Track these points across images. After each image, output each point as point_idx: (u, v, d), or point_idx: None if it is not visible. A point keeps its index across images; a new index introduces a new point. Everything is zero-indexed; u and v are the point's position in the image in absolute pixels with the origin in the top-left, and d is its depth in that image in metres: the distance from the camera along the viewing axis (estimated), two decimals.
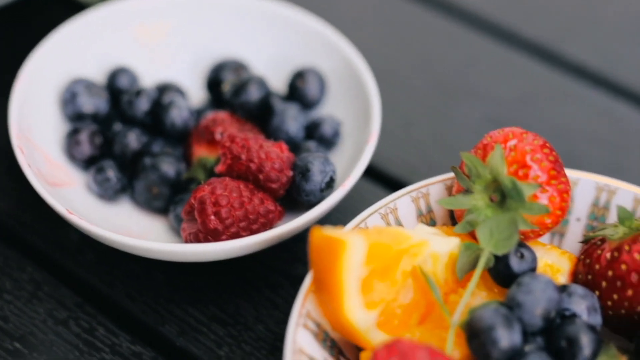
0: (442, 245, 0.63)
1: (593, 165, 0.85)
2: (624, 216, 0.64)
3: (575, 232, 0.71)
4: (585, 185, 0.70)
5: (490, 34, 0.98)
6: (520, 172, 0.63)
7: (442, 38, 0.98)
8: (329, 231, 0.58)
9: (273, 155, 0.71)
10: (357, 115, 0.78)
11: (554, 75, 0.94)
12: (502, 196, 0.64)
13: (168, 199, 0.75)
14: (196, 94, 0.84)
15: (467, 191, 0.65)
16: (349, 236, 0.57)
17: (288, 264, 0.76)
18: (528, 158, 0.63)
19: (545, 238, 0.71)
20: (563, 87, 0.93)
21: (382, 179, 0.83)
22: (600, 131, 0.89)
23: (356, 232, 0.58)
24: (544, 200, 0.63)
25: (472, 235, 0.65)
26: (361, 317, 0.59)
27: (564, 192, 0.64)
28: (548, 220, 0.64)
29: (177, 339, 0.72)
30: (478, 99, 0.91)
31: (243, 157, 0.70)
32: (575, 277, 0.66)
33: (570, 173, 0.70)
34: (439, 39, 0.97)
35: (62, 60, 0.80)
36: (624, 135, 0.89)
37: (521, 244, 0.63)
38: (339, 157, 0.78)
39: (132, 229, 0.75)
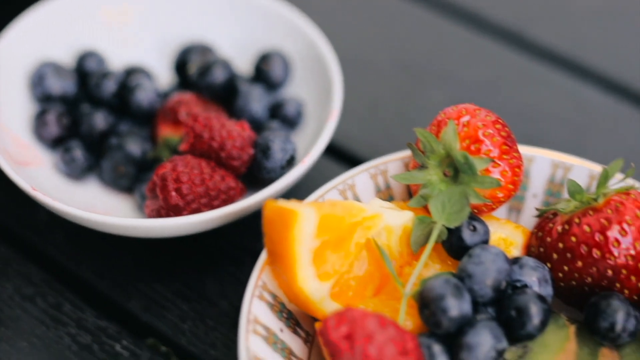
0: (396, 219, 0.64)
1: (558, 145, 0.86)
2: (574, 190, 0.65)
3: (531, 208, 0.72)
4: (541, 162, 0.72)
5: (457, 18, 1.00)
6: (473, 147, 0.64)
7: (410, 22, 0.99)
8: (281, 203, 0.60)
9: (234, 134, 0.72)
10: (319, 95, 0.79)
11: (520, 58, 0.96)
12: (455, 171, 0.65)
13: (134, 178, 0.77)
14: (165, 76, 0.86)
15: (422, 167, 0.66)
16: (299, 207, 0.59)
17: (251, 241, 0.77)
18: (480, 133, 0.64)
19: (502, 214, 0.72)
20: (529, 70, 0.95)
21: (347, 158, 0.85)
22: (566, 113, 0.91)
23: (308, 204, 0.60)
24: (495, 174, 0.64)
25: (427, 209, 0.66)
26: (314, 287, 0.60)
27: (516, 167, 0.65)
28: (500, 194, 0.65)
29: (142, 314, 0.73)
30: (445, 82, 0.93)
31: (205, 135, 0.72)
32: (528, 250, 0.68)
33: (526, 150, 0.71)
34: (407, 24, 0.99)
35: (31, 43, 0.82)
36: (589, 117, 0.90)
37: (474, 217, 0.65)
38: (302, 136, 0.79)
39: (99, 207, 0.76)
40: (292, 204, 0.59)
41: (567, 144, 0.87)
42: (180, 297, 0.74)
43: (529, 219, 0.72)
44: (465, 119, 0.65)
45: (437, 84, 0.93)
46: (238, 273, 0.76)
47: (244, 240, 0.77)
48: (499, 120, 0.66)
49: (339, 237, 0.61)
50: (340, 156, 0.85)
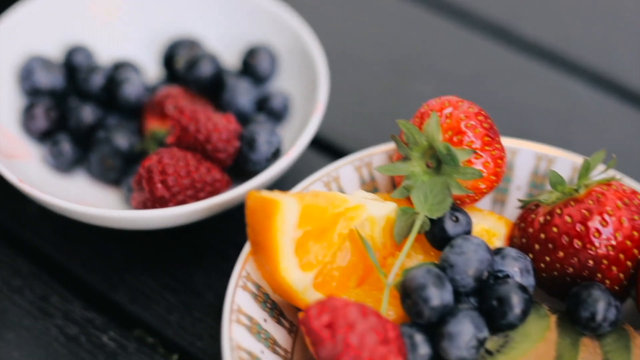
0: (379, 209, 0.65)
1: (544, 139, 0.87)
2: (556, 181, 0.65)
3: (515, 200, 0.73)
4: (525, 154, 0.72)
5: (444, 13, 1.00)
6: (455, 139, 0.65)
7: (397, 17, 1.00)
8: (264, 193, 0.60)
9: (220, 127, 0.73)
10: (306, 88, 0.80)
11: (507, 53, 0.96)
12: (438, 162, 0.66)
13: (121, 171, 0.78)
14: (153, 70, 0.87)
15: (406, 158, 0.67)
16: (282, 197, 0.59)
17: (238, 233, 0.77)
18: (462, 125, 0.65)
19: (486, 206, 0.73)
20: (516, 65, 0.95)
21: (334, 152, 0.86)
22: (552, 106, 0.91)
23: (290, 194, 0.60)
24: (478, 165, 0.65)
25: (410, 200, 0.66)
26: (297, 277, 0.61)
27: (498, 158, 0.66)
28: (482, 186, 0.66)
29: (129, 306, 0.74)
30: (432, 76, 0.93)
31: (191, 128, 0.73)
32: (511, 241, 0.68)
33: (510, 142, 0.72)
34: (395, 18, 0.99)
35: (20, 37, 0.83)
36: (575, 110, 0.91)
37: (456, 208, 0.65)
38: (288, 129, 0.80)
39: (87, 200, 0.77)
40: (274, 194, 0.60)
41: (553, 137, 0.88)
42: (167, 289, 0.75)
43: (513, 210, 0.72)
44: (448, 110, 0.66)
45: (424, 78, 0.93)
46: (224, 265, 0.76)
47: (231, 233, 0.78)
48: (482, 112, 0.66)
49: (322, 227, 0.62)
50: (327, 149, 0.86)
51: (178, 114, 0.73)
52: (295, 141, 0.75)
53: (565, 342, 0.62)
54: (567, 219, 0.64)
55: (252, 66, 0.82)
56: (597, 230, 0.63)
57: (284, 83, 0.84)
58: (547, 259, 0.65)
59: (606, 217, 0.63)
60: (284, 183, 0.77)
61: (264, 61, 0.82)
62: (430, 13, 1.00)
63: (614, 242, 0.63)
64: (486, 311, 0.61)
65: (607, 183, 0.65)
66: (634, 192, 0.65)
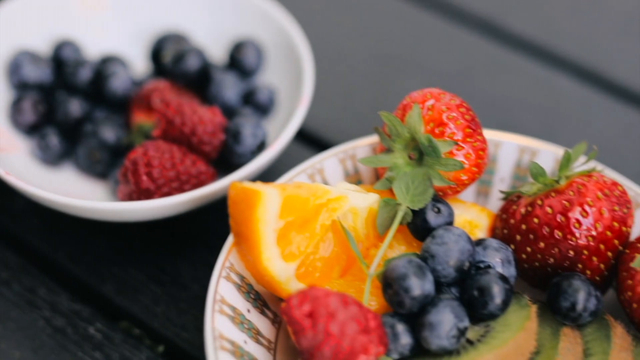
0: (361, 201, 0.65)
1: (530, 132, 0.88)
2: (537, 172, 0.66)
3: (499, 192, 0.73)
4: (508, 147, 0.73)
5: (431, 8, 1.01)
6: (437, 130, 0.65)
7: (385, 12, 1.00)
8: (246, 184, 0.61)
9: (206, 119, 0.73)
10: (292, 82, 0.81)
11: (494, 48, 0.97)
12: (420, 154, 0.66)
13: (108, 164, 0.78)
14: (140, 64, 0.87)
15: (389, 150, 0.67)
16: (263, 187, 0.60)
17: (225, 226, 0.77)
18: (444, 116, 0.65)
19: (470, 198, 0.73)
20: (502, 59, 0.96)
21: (318, 144, 0.86)
22: (538, 100, 0.92)
23: (272, 185, 0.61)
24: (459, 157, 0.65)
25: (392, 192, 0.67)
26: (279, 267, 0.61)
27: (480, 150, 0.66)
28: (464, 177, 0.66)
29: (115, 298, 0.74)
30: (418, 71, 0.94)
31: (177, 121, 0.73)
32: (493, 232, 0.69)
33: (494, 135, 0.72)
34: (382, 13, 1.00)
35: (8, 32, 0.83)
36: (560, 104, 0.92)
37: (438, 200, 0.66)
38: (274, 122, 0.81)
39: (74, 192, 0.77)
40: (256, 185, 0.60)
41: (538, 130, 0.88)
42: (153, 281, 0.75)
43: (496, 202, 0.73)
44: (430, 102, 0.66)
45: (411, 73, 0.94)
46: (210, 257, 0.77)
47: (216, 225, 0.78)
48: (463, 104, 0.67)
49: (304, 218, 0.62)
50: (312, 141, 0.86)
51: (164, 107, 0.74)
52: (281, 134, 0.75)
53: (546, 331, 0.62)
54: (548, 209, 0.64)
55: (238, 60, 0.83)
56: (578, 221, 0.63)
57: (270, 77, 0.84)
58: (529, 249, 0.65)
59: (586, 207, 0.63)
60: (269, 175, 0.78)
61: (250, 55, 0.83)
62: (416, 7, 1.01)
63: (594, 233, 0.63)
64: (467, 301, 0.62)
65: (588, 174, 0.65)
66: (614, 183, 0.65)
